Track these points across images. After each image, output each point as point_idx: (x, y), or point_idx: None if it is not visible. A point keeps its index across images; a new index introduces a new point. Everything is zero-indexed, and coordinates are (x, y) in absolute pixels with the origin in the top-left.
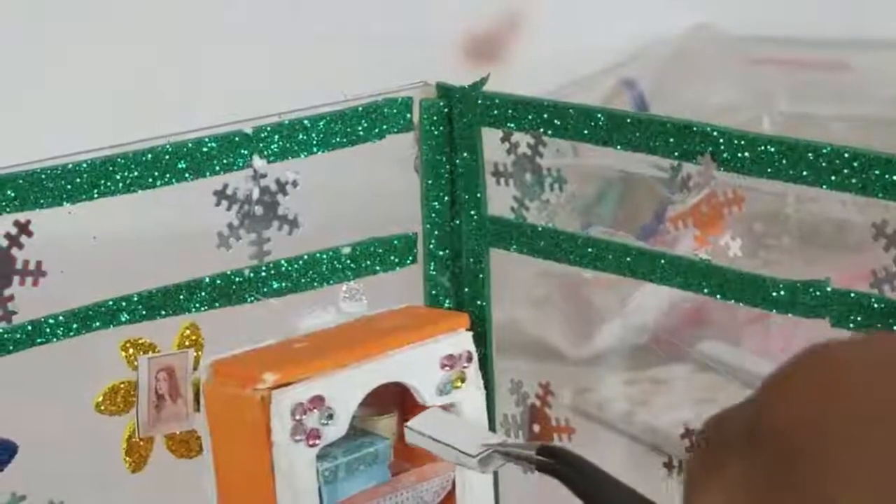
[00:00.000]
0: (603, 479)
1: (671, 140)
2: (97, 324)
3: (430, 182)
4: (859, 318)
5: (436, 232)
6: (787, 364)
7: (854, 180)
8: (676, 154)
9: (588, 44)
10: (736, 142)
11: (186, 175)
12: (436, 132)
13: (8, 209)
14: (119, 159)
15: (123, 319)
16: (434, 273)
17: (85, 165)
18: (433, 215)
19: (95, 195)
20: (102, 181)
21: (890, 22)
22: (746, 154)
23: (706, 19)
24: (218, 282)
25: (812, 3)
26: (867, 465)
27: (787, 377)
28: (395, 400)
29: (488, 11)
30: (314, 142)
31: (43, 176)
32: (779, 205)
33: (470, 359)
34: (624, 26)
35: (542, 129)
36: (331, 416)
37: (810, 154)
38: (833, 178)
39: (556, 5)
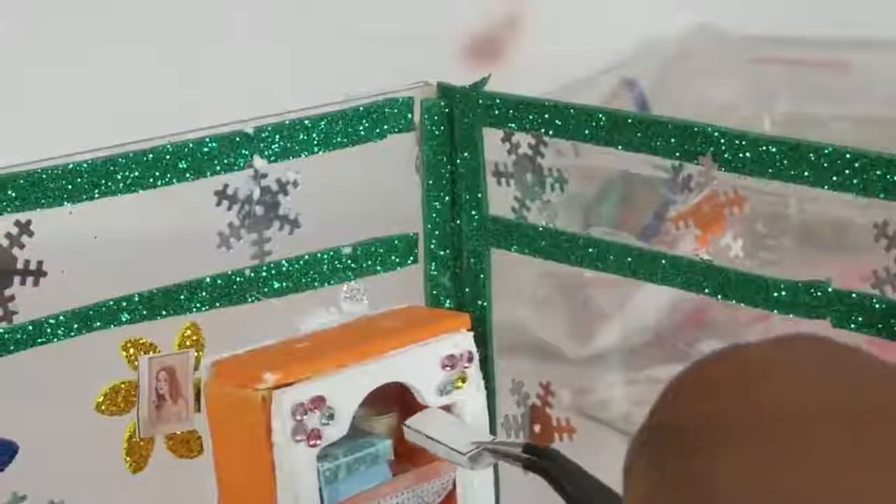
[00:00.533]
0: (585, 478)
1: (672, 140)
2: (97, 324)
3: (430, 182)
4: (860, 319)
5: (436, 232)
6: (693, 365)
7: (855, 181)
8: (677, 154)
9: (588, 44)
10: (737, 142)
11: (187, 175)
12: (437, 132)
13: (9, 209)
14: (119, 159)
15: (124, 319)
16: (435, 273)
17: (85, 165)
18: (434, 215)
19: (96, 195)
20: (103, 181)
21: (890, 22)
22: (747, 154)
23: (707, 19)
24: (219, 282)
25: (813, 2)
26: (756, 461)
27: (691, 377)
28: (396, 400)
29: (488, 11)
30: (315, 142)
31: (44, 176)
32: (780, 205)
33: (471, 359)
34: (624, 26)
35: (542, 130)
36: (331, 416)
37: (812, 154)
38: (834, 178)
39: (557, 5)
